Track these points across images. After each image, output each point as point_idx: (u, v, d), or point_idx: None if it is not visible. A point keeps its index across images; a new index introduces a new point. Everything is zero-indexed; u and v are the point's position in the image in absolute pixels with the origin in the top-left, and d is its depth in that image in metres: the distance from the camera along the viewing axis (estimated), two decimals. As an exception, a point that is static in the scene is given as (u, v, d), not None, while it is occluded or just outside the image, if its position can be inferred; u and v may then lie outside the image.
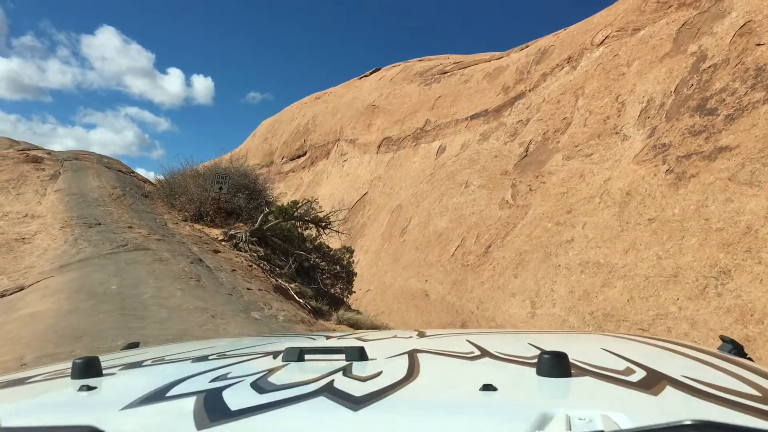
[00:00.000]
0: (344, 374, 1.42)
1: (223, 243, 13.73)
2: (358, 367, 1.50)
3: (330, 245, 16.42)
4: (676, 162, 11.69)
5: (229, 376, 1.48)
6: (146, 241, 10.75)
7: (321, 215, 16.40)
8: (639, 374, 1.36)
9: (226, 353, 1.96)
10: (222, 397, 1.25)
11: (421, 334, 2.27)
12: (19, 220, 12.81)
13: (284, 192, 31.80)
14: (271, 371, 1.51)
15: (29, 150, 23.49)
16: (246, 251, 13.39)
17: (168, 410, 1.21)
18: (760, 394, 1.21)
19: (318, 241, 16.11)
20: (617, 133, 14.00)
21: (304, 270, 15.04)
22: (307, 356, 1.65)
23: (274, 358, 1.74)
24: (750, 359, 1.68)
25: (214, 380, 1.42)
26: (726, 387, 1.25)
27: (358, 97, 32.27)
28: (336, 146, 31.42)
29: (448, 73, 25.48)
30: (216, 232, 14.89)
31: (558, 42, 19.58)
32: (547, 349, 1.43)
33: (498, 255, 15.58)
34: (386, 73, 32.42)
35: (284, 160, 37.19)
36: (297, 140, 36.44)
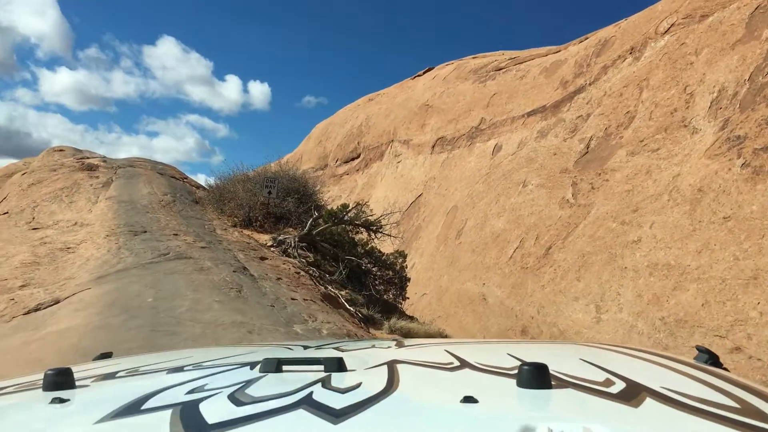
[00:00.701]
0: (323, 386, 1.40)
1: (271, 249, 13.37)
2: (336, 379, 1.48)
3: (382, 250, 15.91)
4: (752, 155, 10.81)
5: (205, 387, 1.45)
6: (190, 249, 10.43)
7: (372, 218, 15.91)
8: (619, 386, 1.37)
9: (202, 364, 1.93)
10: (199, 410, 1.23)
11: (399, 344, 2.28)
12: (68, 228, 12.72)
13: (339, 195, 31.57)
14: (248, 383, 1.48)
15: (86, 158, 23.79)
16: (295, 257, 12.99)
17: (143, 424, 1.18)
18: (739, 406, 1.21)
19: (369, 245, 15.61)
20: (686, 126, 13.13)
21: (355, 276, 14.57)
22: (285, 367, 1.63)
23: (252, 368, 1.71)
24: (726, 369, 1.69)
25: (190, 392, 1.40)
26: (705, 398, 1.26)
27: (411, 97, 31.81)
28: (390, 147, 31.02)
29: (503, 70, 24.77)
30: (265, 238, 14.56)
31: (619, 32, 18.71)
32: (526, 359, 1.46)
33: (559, 257, 14.92)
34: (439, 72, 31.85)
35: (338, 162, 36.98)
36: (350, 142, 36.18)
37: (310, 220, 15.08)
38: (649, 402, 1.23)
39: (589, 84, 18.42)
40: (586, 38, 21.13)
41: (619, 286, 12.23)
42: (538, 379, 1.33)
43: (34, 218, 14.15)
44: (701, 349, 1.87)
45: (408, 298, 16.53)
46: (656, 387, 1.34)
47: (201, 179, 21.32)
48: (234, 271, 9.27)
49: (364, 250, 15.23)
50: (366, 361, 1.85)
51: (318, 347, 2.40)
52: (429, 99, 29.22)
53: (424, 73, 34.67)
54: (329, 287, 11.83)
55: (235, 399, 1.32)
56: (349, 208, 15.66)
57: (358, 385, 1.41)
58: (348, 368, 1.61)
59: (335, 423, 1.10)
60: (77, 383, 1.55)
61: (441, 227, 21.44)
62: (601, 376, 1.48)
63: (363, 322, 10.59)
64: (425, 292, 19.81)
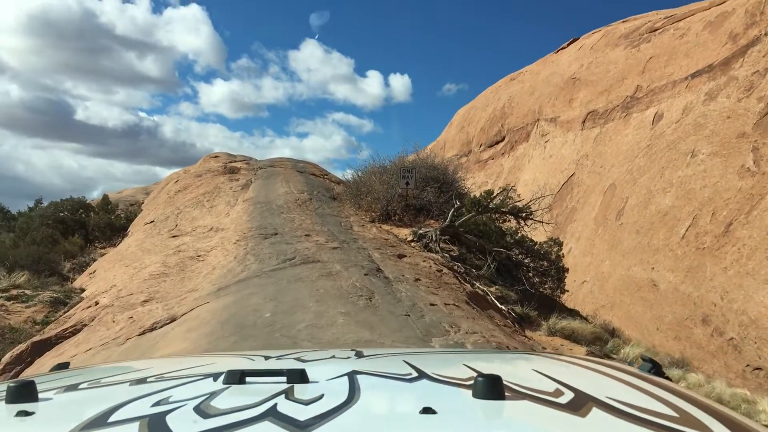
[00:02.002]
0: (287, 397, 1.42)
1: (412, 244, 12.39)
2: (299, 390, 1.50)
3: (534, 237, 14.51)
4: None
5: (170, 400, 1.45)
6: (319, 252, 9.62)
7: (520, 204, 14.47)
8: (567, 396, 1.45)
9: (164, 375, 1.91)
10: (166, 423, 1.24)
11: (359, 354, 2.30)
12: (203, 235, 12.46)
13: (485, 181, 30.54)
14: (212, 395, 1.48)
15: (233, 162, 24.12)
16: (436, 252, 11.94)
17: None
18: (677, 415, 1.33)
19: (519, 234, 14.23)
20: None
21: (506, 269, 13.27)
22: (248, 379, 1.62)
23: (215, 380, 1.70)
24: (668, 378, 1.82)
25: (155, 404, 1.40)
26: (647, 408, 1.36)
27: (555, 71, 29.95)
28: (536, 127, 29.38)
29: (659, 30, 22.48)
30: (405, 233, 13.61)
31: (799, -30, 16.17)
32: (482, 370, 1.57)
33: (743, 234, 13.08)
34: (585, 42, 29.71)
35: (482, 147, 35.70)
36: (494, 126, 34.78)
37: (452, 210, 13.94)
38: (595, 412, 1.31)
39: (765, 34, 16.13)
40: (757, -18, 18.58)
41: (824, 266, 10.35)
42: (492, 391, 1.37)
43: (176, 225, 14.10)
44: (645, 359, 1.97)
45: (567, 291, 15.06)
46: (602, 397, 1.43)
47: (349, 176, 20.74)
48: (365, 274, 8.30)
49: (513, 240, 13.84)
50: (327, 372, 1.84)
51: (279, 357, 2.39)
52: (575, 72, 27.31)
53: (568, 45, 32.57)
54: (476, 284, 10.67)
55: (201, 411, 1.32)
56: (494, 194, 14.32)
57: (321, 397, 1.42)
58: (310, 379, 1.61)
59: None
60: (40, 396, 1.50)
61: (598, 208, 19.88)
62: (552, 387, 1.55)
63: (516, 323, 9.37)
64: (585, 279, 18.43)
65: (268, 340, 5.42)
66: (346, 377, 1.70)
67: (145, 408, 1.36)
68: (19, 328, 8.95)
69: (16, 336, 8.52)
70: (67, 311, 9.64)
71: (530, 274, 13.51)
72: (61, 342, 7.53)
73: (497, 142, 34.11)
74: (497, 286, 11.54)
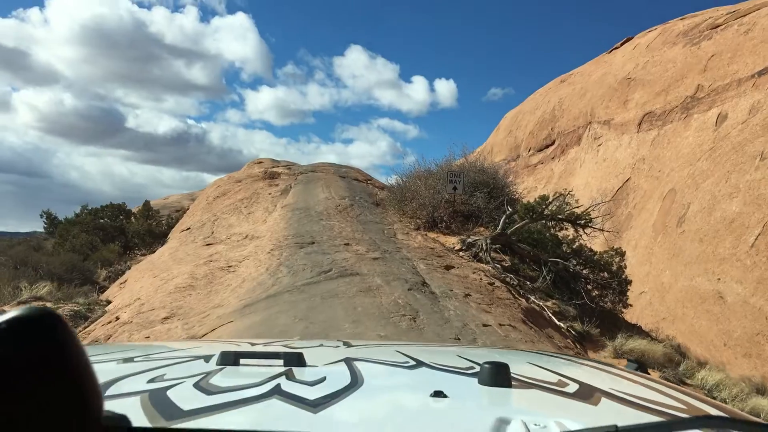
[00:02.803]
0: (288, 378, 1.38)
1: (460, 254, 11.57)
2: (299, 373, 1.46)
3: (591, 247, 13.53)
4: None
5: (165, 377, 1.40)
6: (358, 263, 8.88)
7: (577, 211, 13.44)
8: (573, 387, 1.43)
9: (151, 356, 1.84)
10: (169, 397, 1.19)
11: (347, 344, 2.23)
12: (237, 243, 11.86)
13: (534, 186, 29.56)
14: (208, 374, 1.42)
15: (275, 167, 23.66)
16: (487, 262, 11.09)
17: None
18: (684, 407, 1.33)
19: (576, 243, 13.24)
20: None
21: (562, 281, 12.31)
22: (242, 360, 1.57)
23: (206, 361, 1.63)
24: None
25: (150, 381, 1.35)
26: (653, 400, 1.34)
27: (608, 72, 28.82)
28: (588, 130, 28.28)
29: (722, 27, 21.31)
30: (452, 241, 12.78)
31: None
32: (478, 361, 1.51)
33: (822, 244, 12.02)
34: (640, 41, 28.52)
35: (531, 152, 34.65)
36: (543, 129, 33.71)
37: (503, 217, 13.06)
38: (605, 401, 1.28)
39: (842, 26, 14.99)
40: (832, -28, 17.41)
41: None
42: (499, 378, 1.34)
43: (212, 233, 13.56)
44: (631, 360, 1.97)
45: (631, 305, 14.05)
46: (606, 388, 1.42)
47: (393, 181, 19.91)
48: (409, 289, 7.53)
49: (570, 249, 12.87)
50: (322, 358, 1.78)
51: (266, 344, 2.32)
52: (630, 72, 26.19)
53: (621, 44, 31.38)
54: (531, 298, 9.81)
55: (202, 388, 1.28)
56: (549, 199, 13.37)
57: (323, 379, 1.40)
58: (307, 364, 1.56)
59: (314, 412, 1.09)
60: None
61: (657, 214, 18.83)
62: (554, 378, 1.55)
63: (577, 343, 8.50)
64: (643, 290, 17.41)
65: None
66: (343, 362, 1.69)
67: (140, 384, 1.30)
68: (34, 346, 8.41)
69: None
70: (87, 326, 9.10)
71: (589, 287, 12.54)
72: (73, 363, 6.93)
73: (547, 146, 33.07)
74: (554, 300, 10.64)
